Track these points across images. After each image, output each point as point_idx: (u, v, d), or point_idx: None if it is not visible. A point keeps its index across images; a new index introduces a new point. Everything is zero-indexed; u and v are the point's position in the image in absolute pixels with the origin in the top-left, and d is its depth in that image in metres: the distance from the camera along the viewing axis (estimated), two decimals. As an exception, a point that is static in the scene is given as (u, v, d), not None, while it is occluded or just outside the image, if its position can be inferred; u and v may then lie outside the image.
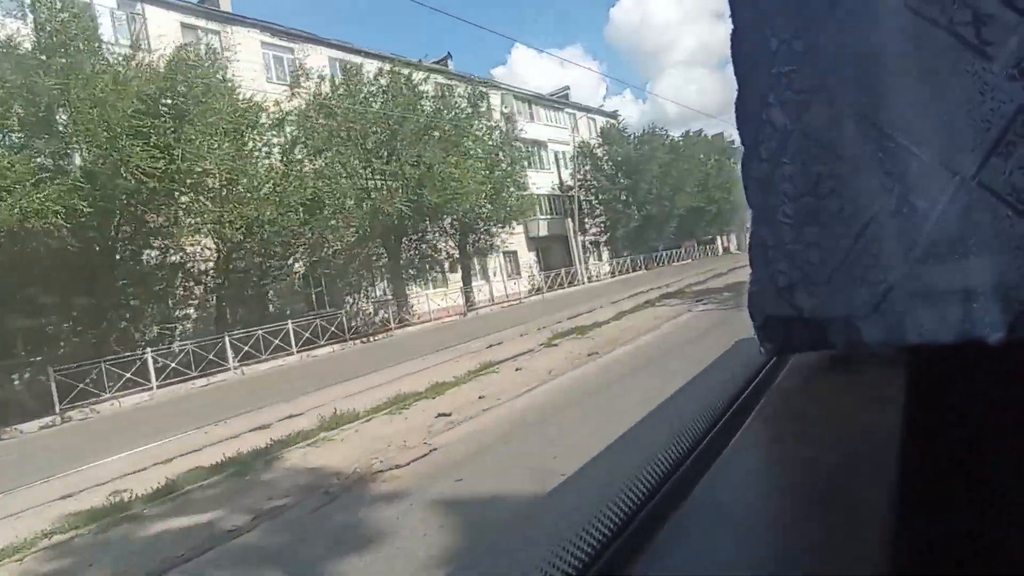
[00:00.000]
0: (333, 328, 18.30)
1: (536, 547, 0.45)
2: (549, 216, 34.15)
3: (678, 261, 40.19)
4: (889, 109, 0.57)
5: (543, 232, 33.56)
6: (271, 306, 18.69)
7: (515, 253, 31.69)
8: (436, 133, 21.10)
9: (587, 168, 36.67)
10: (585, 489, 0.58)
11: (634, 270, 34.64)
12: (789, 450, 0.57)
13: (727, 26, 0.70)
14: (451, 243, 24.87)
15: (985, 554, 0.46)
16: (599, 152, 37.00)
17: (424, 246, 23.31)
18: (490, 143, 25.14)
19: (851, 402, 0.63)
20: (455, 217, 23.13)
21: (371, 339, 18.65)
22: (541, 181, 33.18)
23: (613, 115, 43.54)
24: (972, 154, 0.52)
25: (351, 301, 21.41)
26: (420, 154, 20.16)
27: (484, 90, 26.48)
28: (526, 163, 29.67)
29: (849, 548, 0.41)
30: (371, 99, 20.29)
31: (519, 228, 30.29)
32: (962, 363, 0.59)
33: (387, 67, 21.95)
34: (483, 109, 25.53)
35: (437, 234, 23.86)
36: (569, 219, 33.84)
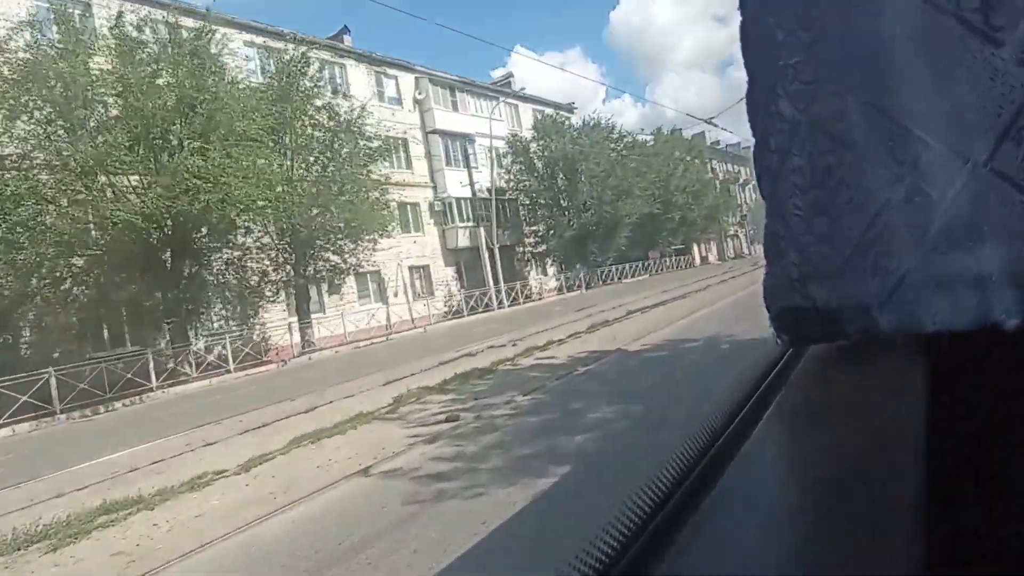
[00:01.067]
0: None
1: (556, 546, 0.46)
2: (471, 224, 28.36)
3: (631, 277, 35.09)
4: (898, 97, 0.56)
5: (463, 243, 27.89)
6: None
7: (426, 268, 26.82)
8: (200, 110, 14.48)
9: (519, 166, 31.21)
10: (602, 486, 0.59)
11: (570, 289, 30.30)
12: (808, 443, 0.57)
13: (727, 30, 0.76)
14: (276, 262, 18.50)
15: (1007, 543, 0.46)
16: (534, 148, 31.32)
17: (205, 272, 16.53)
18: (320, 131, 18.90)
19: (868, 392, 0.63)
20: (281, 227, 17.46)
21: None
22: (470, 180, 28.25)
23: (568, 107, 37.68)
24: (983, 140, 0.52)
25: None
26: (184, 138, 14.08)
27: (333, 61, 21.94)
28: (394, 159, 24.35)
29: (871, 540, 0.41)
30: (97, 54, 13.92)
31: (428, 237, 26.47)
32: (979, 350, 0.59)
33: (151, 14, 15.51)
34: (324, 85, 20.03)
35: (244, 251, 17.51)
36: (483, 227, 27.74)
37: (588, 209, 31.01)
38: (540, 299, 29.67)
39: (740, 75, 0.69)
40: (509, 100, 33.59)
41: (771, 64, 0.64)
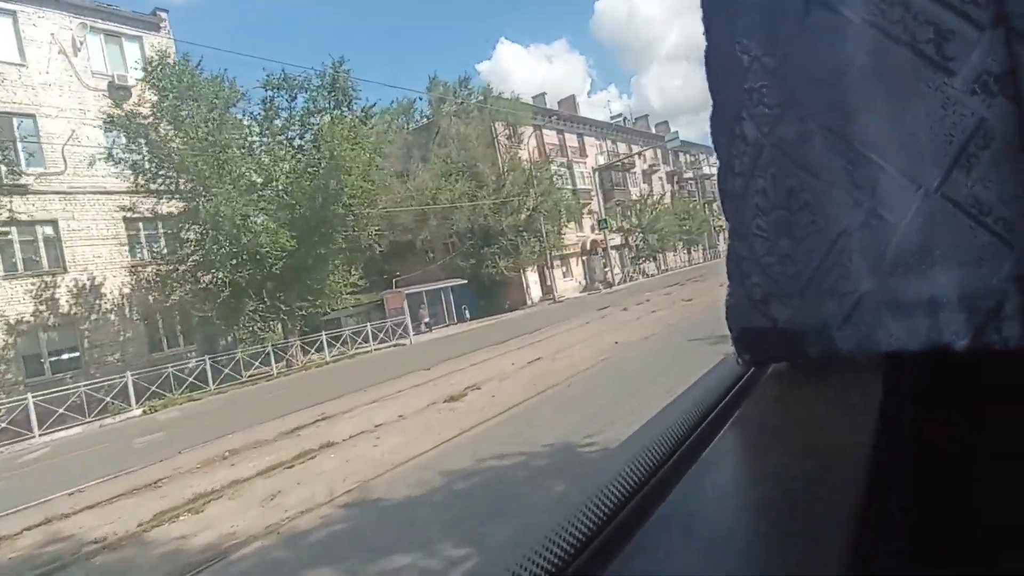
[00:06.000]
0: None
1: (500, 556, 0.44)
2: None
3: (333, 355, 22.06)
4: (856, 124, 0.58)
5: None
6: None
7: None
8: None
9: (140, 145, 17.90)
10: (558, 497, 0.54)
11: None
12: (762, 461, 0.58)
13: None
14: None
15: (949, 561, 0.48)
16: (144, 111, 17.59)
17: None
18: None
19: (827, 412, 0.65)
20: None
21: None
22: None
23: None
24: (935, 167, 0.54)
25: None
26: None
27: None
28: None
29: (816, 560, 0.41)
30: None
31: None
32: (938, 371, 0.61)
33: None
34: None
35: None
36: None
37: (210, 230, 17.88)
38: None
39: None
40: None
41: (736, 88, 0.66)
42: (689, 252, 56.16)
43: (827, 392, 0.68)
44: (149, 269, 20.10)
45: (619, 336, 12.35)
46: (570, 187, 43.07)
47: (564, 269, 42.37)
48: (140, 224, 20.72)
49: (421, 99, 35.65)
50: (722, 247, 61.84)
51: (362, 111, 22.71)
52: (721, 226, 64.15)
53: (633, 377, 8.16)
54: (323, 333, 22.07)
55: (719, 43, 0.68)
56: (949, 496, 0.54)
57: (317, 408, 10.27)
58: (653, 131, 56.98)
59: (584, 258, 44.07)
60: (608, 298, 28.21)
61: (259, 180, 19.74)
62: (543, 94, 48.92)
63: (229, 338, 21.45)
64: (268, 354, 20.26)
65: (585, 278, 43.41)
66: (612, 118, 56.06)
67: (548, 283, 38.94)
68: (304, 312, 21.24)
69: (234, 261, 18.94)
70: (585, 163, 45.12)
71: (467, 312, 32.73)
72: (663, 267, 50.62)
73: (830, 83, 0.60)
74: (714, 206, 63.77)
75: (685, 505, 0.49)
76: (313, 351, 21.75)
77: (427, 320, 30.58)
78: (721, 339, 9.06)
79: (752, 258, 0.66)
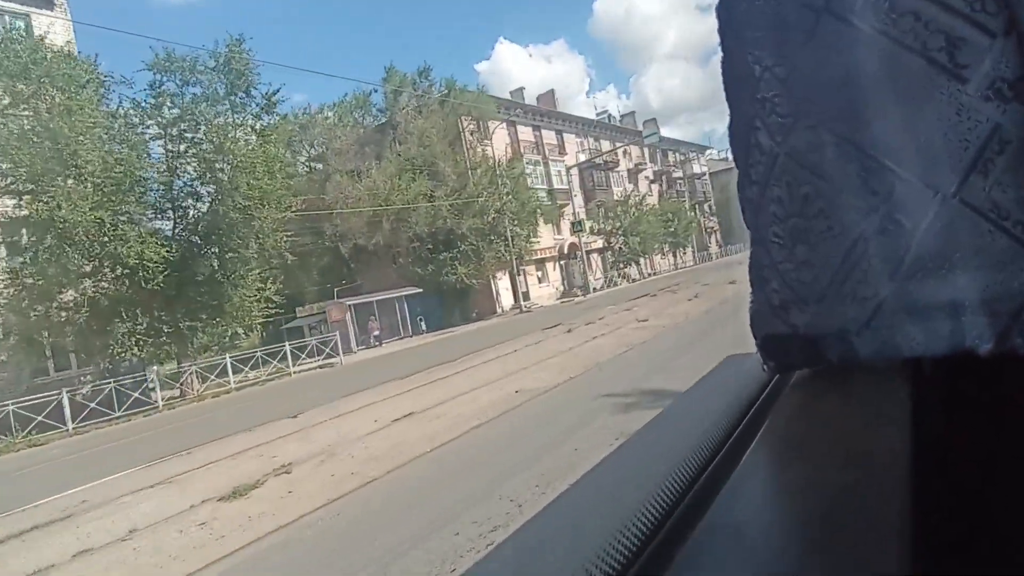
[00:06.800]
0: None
1: (562, 566, 0.44)
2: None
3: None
4: (870, 131, 0.59)
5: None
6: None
7: None
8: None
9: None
10: (579, 522, 0.55)
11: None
12: (797, 470, 0.57)
13: (710, 19, 0.72)
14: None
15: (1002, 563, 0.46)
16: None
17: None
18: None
19: (854, 419, 0.64)
20: None
21: None
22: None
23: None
24: (952, 173, 0.54)
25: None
26: None
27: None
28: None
29: (865, 568, 0.41)
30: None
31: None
32: (960, 375, 0.61)
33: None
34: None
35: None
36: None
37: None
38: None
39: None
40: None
41: (750, 98, 0.66)
42: (675, 255, 52.96)
43: (852, 398, 0.68)
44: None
45: (531, 378, 9.77)
46: (545, 187, 40.21)
47: (540, 274, 39.88)
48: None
49: (376, 91, 32.66)
50: (713, 249, 59.10)
51: (264, 97, 19.57)
52: (712, 227, 61.41)
53: (476, 474, 5.78)
54: (227, 356, 19.08)
55: (733, 53, 0.68)
56: (982, 500, 0.53)
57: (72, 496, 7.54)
58: (641, 128, 53.93)
59: (562, 262, 41.21)
60: (575, 309, 25.69)
61: (123, 178, 16.10)
62: (521, 88, 46.03)
63: (137, 359, 18.42)
64: (155, 383, 17.32)
65: (563, 283, 40.71)
66: (598, 115, 53.23)
67: (523, 289, 36.29)
68: (202, 332, 18.21)
69: (95, 275, 15.83)
70: (564, 161, 42.29)
71: (423, 324, 29.99)
72: (649, 270, 47.79)
73: (841, 91, 0.60)
74: (705, 206, 60.78)
75: (728, 515, 0.49)
76: (214, 376, 18.79)
77: (376, 333, 27.91)
78: (635, 404, 6.71)
79: (771, 265, 0.67)
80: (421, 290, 29.59)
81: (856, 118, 0.59)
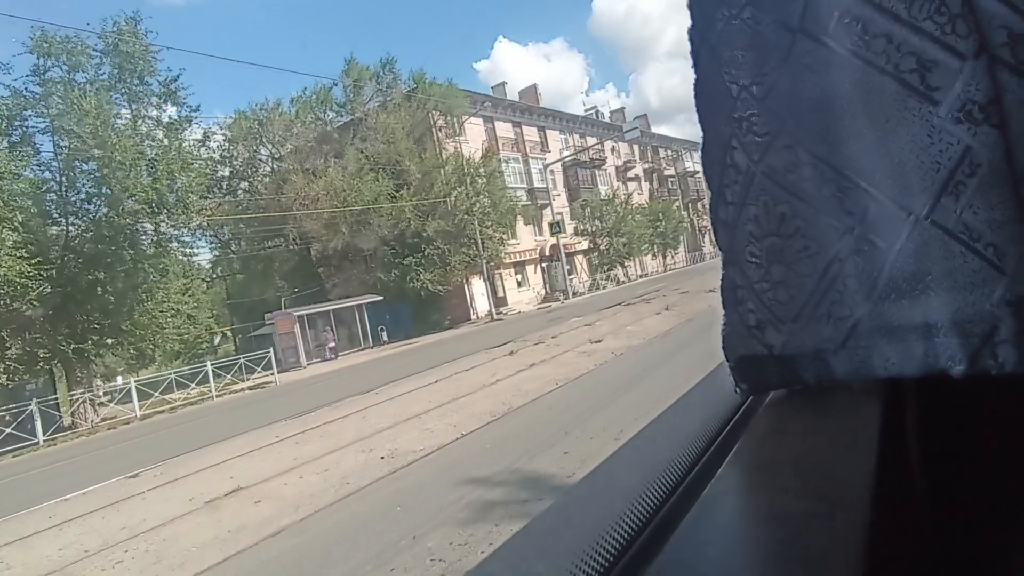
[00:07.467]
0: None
1: None
2: None
3: None
4: (844, 152, 0.59)
5: None
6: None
7: None
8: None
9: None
10: (556, 530, 0.55)
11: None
12: (765, 497, 0.57)
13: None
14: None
15: None
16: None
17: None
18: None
19: (827, 442, 0.63)
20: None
21: None
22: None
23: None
24: (924, 194, 0.54)
25: None
26: None
27: None
28: None
29: None
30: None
31: None
32: (935, 395, 0.61)
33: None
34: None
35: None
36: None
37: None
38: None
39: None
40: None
41: (726, 118, 0.66)
42: (664, 256, 50.61)
43: (826, 420, 0.67)
44: None
45: (418, 430, 8.12)
46: (525, 185, 37.96)
47: (520, 277, 37.54)
48: None
49: (336, 85, 30.34)
50: (707, 249, 56.78)
51: (162, 85, 17.29)
52: (706, 227, 59.00)
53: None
54: (132, 380, 16.88)
55: (708, 73, 0.68)
56: (954, 530, 0.53)
57: None
58: (634, 125, 51.60)
59: (544, 265, 38.98)
60: (545, 319, 23.35)
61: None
62: (503, 83, 43.80)
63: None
64: (33, 414, 14.59)
65: (545, 287, 38.45)
66: (586, 111, 50.99)
67: (500, 294, 34.08)
68: (97, 355, 15.98)
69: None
70: (546, 159, 40.07)
71: (384, 334, 27.86)
72: (639, 272, 45.54)
73: (817, 112, 0.60)
74: (699, 205, 58.41)
75: (690, 545, 0.48)
76: (114, 404, 16.54)
77: (332, 345, 25.79)
78: (493, 506, 4.66)
79: (746, 285, 0.66)
80: (381, 298, 27.47)
81: (832, 138, 0.59)
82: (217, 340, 35.24)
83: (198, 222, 20.17)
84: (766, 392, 0.72)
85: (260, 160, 31.97)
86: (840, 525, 0.47)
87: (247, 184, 32.43)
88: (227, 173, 31.73)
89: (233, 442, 9.69)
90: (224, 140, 30.75)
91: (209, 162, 29.93)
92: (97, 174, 14.91)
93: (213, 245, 32.62)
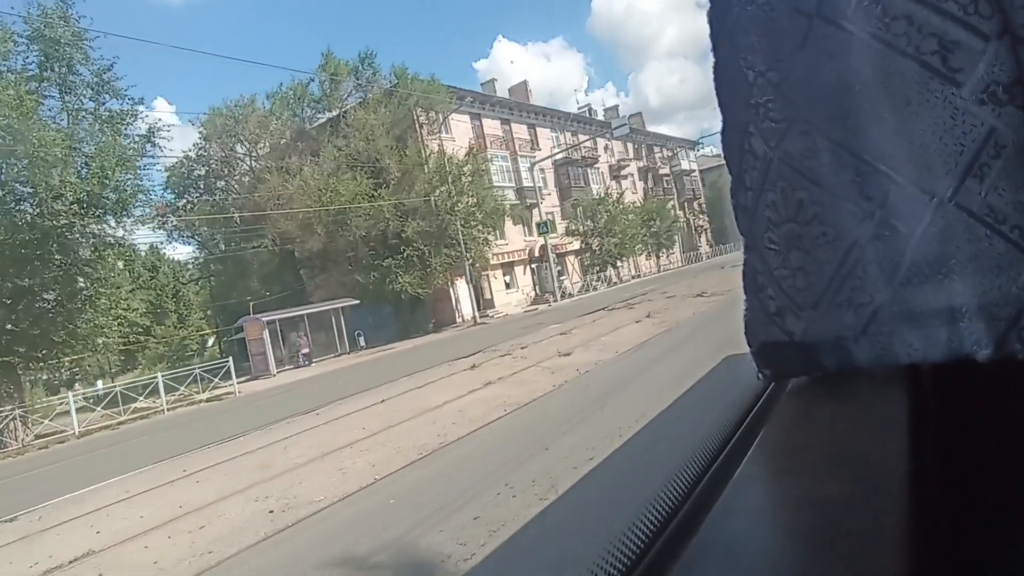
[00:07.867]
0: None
1: None
2: None
3: None
4: (864, 136, 0.58)
5: None
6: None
7: None
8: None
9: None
10: (564, 542, 0.52)
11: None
12: (793, 482, 0.56)
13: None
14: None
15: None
16: None
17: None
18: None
19: (851, 428, 0.63)
20: None
21: None
22: None
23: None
24: (947, 177, 0.54)
25: None
26: None
27: None
28: None
29: None
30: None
31: None
32: (957, 381, 0.60)
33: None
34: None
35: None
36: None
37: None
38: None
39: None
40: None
41: (743, 104, 0.66)
42: (658, 256, 49.31)
43: (849, 407, 0.66)
44: None
45: (330, 470, 7.11)
46: (513, 184, 36.75)
47: (508, 278, 36.35)
48: None
49: (313, 80, 29.15)
50: (704, 249, 55.55)
51: (94, 75, 15.61)
52: (702, 226, 57.80)
53: None
54: (71, 393, 15.73)
55: (726, 59, 0.67)
56: (982, 507, 0.52)
57: None
58: (628, 123, 50.33)
59: (533, 266, 37.77)
60: (527, 323, 22.16)
61: None
62: (492, 80, 42.58)
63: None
64: None
65: (534, 288, 37.26)
66: (579, 109, 49.75)
67: (487, 296, 32.93)
68: (25, 368, 14.81)
69: None
70: (536, 157, 38.86)
71: (361, 339, 26.71)
72: (633, 273, 44.35)
73: (835, 97, 0.60)
74: (694, 204, 57.13)
75: (723, 530, 0.48)
76: (48, 420, 15.31)
77: (306, 351, 24.64)
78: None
79: (766, 271, 0.66)
80: (357, 301, 26.31)
81: (850, 123, 0.58)
82: (211, 342, 34.21)
83: (174, 223, 18.90)
84: (788, 378, 0.71)
85: (237, 158, 30.84)
86: (884, 506, 0.46)
87: (223, 183, 31.29)
88: (203, 172, 30.64)
89: (137, 477, 8.52)
90: (200, 138, 29.66)
91: (186, 160, 28.92)
92: (26, 173, 13.73)
93: (191, 246, 31.66)
